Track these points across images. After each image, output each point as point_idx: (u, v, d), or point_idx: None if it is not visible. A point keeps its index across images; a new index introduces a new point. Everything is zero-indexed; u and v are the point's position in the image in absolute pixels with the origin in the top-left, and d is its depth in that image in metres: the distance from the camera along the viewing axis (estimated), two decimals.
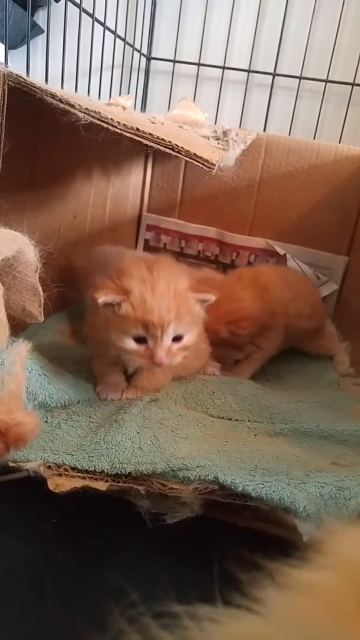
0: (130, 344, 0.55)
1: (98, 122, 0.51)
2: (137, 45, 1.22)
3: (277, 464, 0.52)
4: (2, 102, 0.47)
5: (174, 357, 0.57)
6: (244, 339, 0.73)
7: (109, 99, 0.83)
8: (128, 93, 1.20)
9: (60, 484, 0.49)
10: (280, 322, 0.78)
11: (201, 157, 0.56)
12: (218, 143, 0.80)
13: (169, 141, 0.54)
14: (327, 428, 0.60)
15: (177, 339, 0.57)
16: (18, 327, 0.60)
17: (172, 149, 0.55)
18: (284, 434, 0.61)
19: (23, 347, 0.36)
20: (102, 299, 0.54)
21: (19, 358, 0.33)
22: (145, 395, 0.63)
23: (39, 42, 1.04)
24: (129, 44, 1.16)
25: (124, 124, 0.52)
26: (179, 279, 0.57)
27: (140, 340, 0.55)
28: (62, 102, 0.47)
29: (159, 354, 0.54)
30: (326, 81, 1.17)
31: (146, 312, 0.53)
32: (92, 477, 0.51)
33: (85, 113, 0.49)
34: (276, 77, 1.20)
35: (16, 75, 0.46)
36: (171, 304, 0.54)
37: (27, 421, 0.30)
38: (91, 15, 0.89)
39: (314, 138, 1.19)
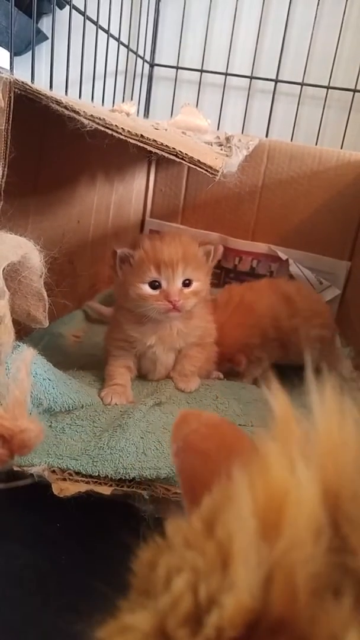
0: (147, 289, 0.63)
1: (103, 128, 0.51)
2: (141, 52, 1.23)
3: None
4: (7, 109, 0.47)
5: (187, 300, 0.63)
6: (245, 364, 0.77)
7: (113, 106, 0.84)
8: (131, 99, 1.21)
9: (64, 489, 0.49)
10: (270, 337, 0.78)
11: (205, 164, 0.56)
12: (221, 149, 0.80)
13: (173, 148, 0.55)
14: None
15: (186, 285, 0.64)
16: (22, 331, 0.61)
17: (176, 156, 0.55)
18: None
19: (28, 353, 0.37)
20: (119, 251, 0.64)
21: (23, 364, 0.33)
22: (149, 399, 0.63)
23: (43, 49, 1.05)
24: (132, 51, 1.17)
25: (129, 131, 0.52)
26: (183, 234, 0.68)
27: (154, 286, 0.63)
28: (67, 109, 0.48)
29: (173, 291, 0.62)
30: (328, 87, 1.18)
31: (157, 253, 0.62)
32: (96, 482, 0.51)
33: (90, 120, 0.50)
34: (278, 84, 1.21)
35: (22, 82, 0.46)
36: (178, 247, 0.63)
37: (32, 428, 0.31)
38: (95, 23, 0.90)
39: (316, 144, 1.20)
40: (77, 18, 0.84)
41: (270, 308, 0.78)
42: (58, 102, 0.47)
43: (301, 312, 0.79)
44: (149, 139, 0.53)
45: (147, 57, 1.27)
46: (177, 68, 1.26)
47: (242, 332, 0.76)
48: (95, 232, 0.99)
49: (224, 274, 1.14)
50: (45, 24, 1.15)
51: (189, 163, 0.55)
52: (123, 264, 0.65)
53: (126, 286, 0.64)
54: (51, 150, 0.74)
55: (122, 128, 0.51)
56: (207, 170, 0.57)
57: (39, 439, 0.30)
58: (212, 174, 0.58)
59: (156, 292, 0.63)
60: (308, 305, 0.81)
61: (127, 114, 0.75)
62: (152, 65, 1.28)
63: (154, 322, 0.66)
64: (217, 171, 0.58)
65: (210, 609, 0.14)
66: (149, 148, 0.54)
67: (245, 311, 0.78)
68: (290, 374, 0.84)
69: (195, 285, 0.65)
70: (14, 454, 0.30)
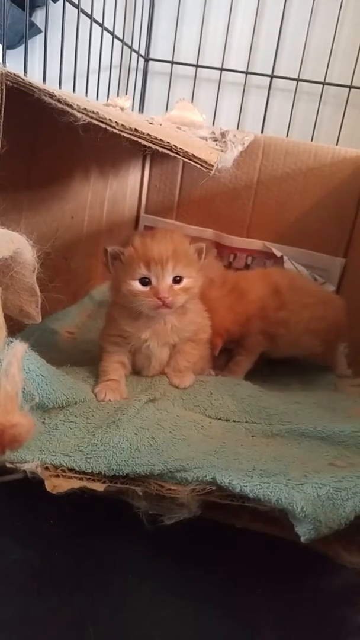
0: (137, 286, 0.63)
1: (96, 122, 0.51)
2: (135, 46, 1.22)
3: (274, 465, 0.52)
4: (0, 101, 0.46)
5: (177, 297, 0.63)
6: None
7: (107, 100, 0.83)
8: (126, 94, 1.20)
9: (57, 485, 0.49)
10: (255, 327, 0.77)
11: (199, 158, 0.56)
12: (216, 144, 0.80)
13: (167, 142, 0.54)
14: (324, 429, 0.60)
15: (177, 282, 0.64)
16: (15, 327, 0.60)
17: (170, 150, 0.55)
18: (281, 435, 0.61)
19: (20, 348, 0.36)
20: (110, 248, 0.64)
21: (15, 359, 0.32)
22: (143, 395, 0.63)
23: (36, 43, 1.04)
24: (127, 45, 1.16)
25: (122, 125, 0.52)
26: (175, 231, 0.67)
27: (145, 283, 0.63)
28: (60, 102, 0.47)
29: (162, 288, 0.62)
30: (324, 83, 1.18)
31: (146, 251, 0.62)
32: (89, 478, 0.50)
33: (83, 113, 0.49)
34: (274, 79, 1.20)
35: (14, 74, 0.45)
36: (168, 245, 0.63)
37: (23, 423, 0.30)
38: (89, 16, 0.89)
39: (312, 140, 1.19)
40: (71, 11, 0.83)
41: (259, 299, 0.78)
42: (50, 95, 0.46)
43: (289, 304, 0.79)
44: (143, 133, 0.52)
45: (142, 52, 1.26)
46: (172, 63, 1.25)
47: (229, 317, 0.76)
48: (90, 227, 0.98)
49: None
50: (39, 17, 1.14)
51: (184, 157, 0.55)
52: (115, 260, 0.65)
53: (118, 282, 0.64)
54: (44, 145, 0.74)
55: (115, 122, 0.51)
56: (201, 165, 0.57)
57: (31, 434, 0.30)
58: (206, 168, 0.57)
59: (146, 289, 0.63)
60: (297, 298, 0.80)
61: (122, 109, 0.74)
62: (147, 59, 1.27)
63: (148, 317, 0.66)
64: (212, 166, 0.57)
65: None
66: (142, 142, 0.54)
67: (238, 296, 0.78)
68: (285, 371, 0.83)
69: (185, 282, 0.64)
70: (4, 448, 0.30)
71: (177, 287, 0.64)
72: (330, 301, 0.85)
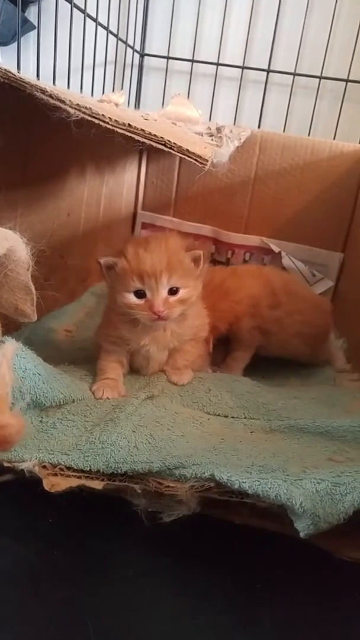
0: (132, 299, 0.61)
1: (89, 118, 0.50)
2: (130, 42, 1.21)
3: (273, 461, 0.52)
4: None
5: (172, 309, 0.62)
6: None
7: (102, 96, 0.82)
8: (122, 90, 1.20)
9: (55, 484, 0.48)
10: (247, 324, 0.77)
11: (194, 153, 0.55)
12: (212, 139, 0.80)
13: (161, 137, 0.54)
14: (323, 424, 0.60)
15: (173, 293, 0.62)
16: (11, 326, 0.60)
17: (164, 145, 0.54)
18: (280, 430, 0.61)
19: (9, 347, 0.36)
20: (103, 260, 0.62)
21: (4, 359, 0.32)
22: (141, 393, 0.63)
23: (30, 39, 1.03)
24: (121, 40, 1.15)
25: (116, 120, 0.52)
26: (170, 239, 0.64)
27: (140, 295, 0.61)
28: (52, 98, 0.47)
29: (157, 302, 0.60)
30: (320, 77, 1.17)
31: (139, 263, 0.60)
32: (87, 477, 0.50)
33: (76, 109, 0.49)
34: (270, 74, 1.20)
35: (5, 70, 0.45)
36: (162, 256, 0.60)
37: (13, 423, 0.30)
38: (83, 11, 0.89)
39: (309, 135, 1.19)
40: (65, 6, 0.82)
41: (249, 296, 0.77)
42: (43, 91, 0.46)
43: (283, 306, 0.79)
44: (137, 128, 0.52)
45: (137, 47, 1.25)
46: (168, 58, 1.25)
47: (213, 315, 0.75)
48: (86, 225, 0.98)
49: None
50: (32, 13, 1.12)
51: (178, 152, 0.55)
52: (110, 270, 0.63)
53: (113, 293, 0.63)
54: (39, 142, 0.73)
55: (109, 117, 0.50)
56: (196, 160, 0.56)
57: (21, 434, 0.29)
58: (201, 163, 0.57)
59: (141, 302, 0.61)
60: (292, 301, 0.80)
61: (116, 104, 0.73)
62: (142, 55, 1.27)
63: (146, 324, 0.64)
64: (206, 160, 0.57)
65: None
66: (136, 138, 0.53)
67: (221, 295, 0.77)
68: (282, 367, 0.83)
69: (182, 292, 0.62)
70: None
71: (173, 298, 0.62)
72: (319, 306, 0.85)
